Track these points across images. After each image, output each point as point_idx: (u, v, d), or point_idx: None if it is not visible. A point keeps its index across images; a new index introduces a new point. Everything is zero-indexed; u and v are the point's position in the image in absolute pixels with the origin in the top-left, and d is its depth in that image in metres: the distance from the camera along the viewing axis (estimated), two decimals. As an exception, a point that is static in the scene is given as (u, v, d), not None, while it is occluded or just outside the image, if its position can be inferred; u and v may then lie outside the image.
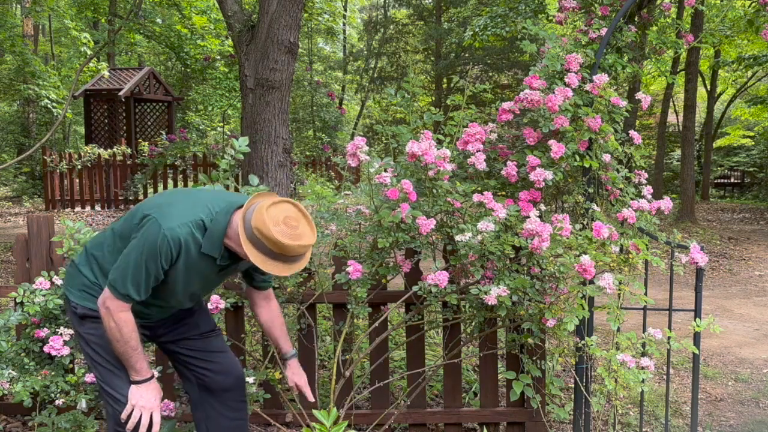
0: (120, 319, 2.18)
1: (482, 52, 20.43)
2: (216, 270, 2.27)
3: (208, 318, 2.63)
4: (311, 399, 2.63)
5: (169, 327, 2.52)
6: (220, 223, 2.18)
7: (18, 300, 2.98)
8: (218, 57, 15.13)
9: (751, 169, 23.45)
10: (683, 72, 14.65)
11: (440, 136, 3.05)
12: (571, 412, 3.21)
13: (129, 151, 13.22)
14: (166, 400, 2.80)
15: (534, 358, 3.08)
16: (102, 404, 2.42)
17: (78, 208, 13.02)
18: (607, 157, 2.92)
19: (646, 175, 3.08)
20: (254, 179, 2.99)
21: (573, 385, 3.46)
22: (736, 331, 5.87)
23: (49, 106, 15.87)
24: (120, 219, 2.33)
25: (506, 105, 2.97)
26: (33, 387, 2.86)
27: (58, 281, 3.04)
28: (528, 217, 2.56)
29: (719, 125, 22.27)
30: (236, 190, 2.96)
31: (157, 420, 2.28)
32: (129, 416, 2.27)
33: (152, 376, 2.30)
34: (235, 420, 2.59)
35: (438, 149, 2.71)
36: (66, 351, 2.94)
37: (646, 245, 2.74)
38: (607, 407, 3.85)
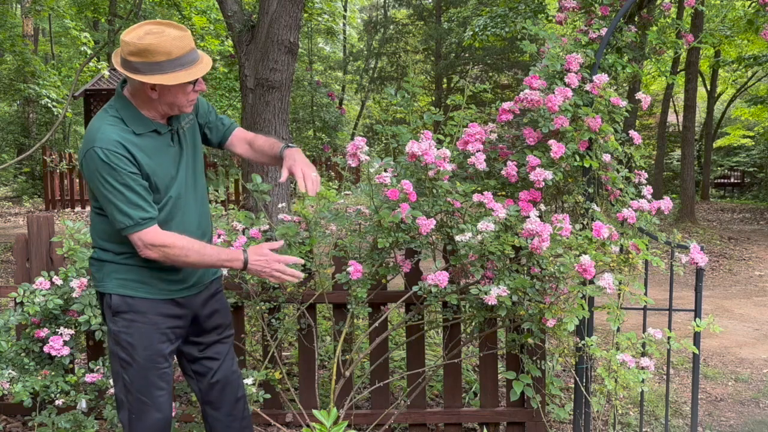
0: (167, 241, 2.14)
1: (482, 52, 20.44)
2: (168, 142, 2.23)
3: (230, 314, 2.61)
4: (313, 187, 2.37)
5: (206, 309, 2.44)
6: (121, 102, 2.17)
7: (18, 300, 2.99)
8: (218, 57, 15.12)
9: (751, 169, 23.47)
10: (683, 72, 14.65)
11: (440, 136, 3.05)
12: (571, 412, 3.21)
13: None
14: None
15: (534, 358, 3.08)
16: (118, 412, 2.36)
17: (78, 208, 13.02)
18: (607, 157, 2.92)
19: (646, 175, 3.08)
20: (257, 177, 3.00)
21: (573, 385, 3.46)
22: (736, 331, 5.87)
23: (49, 105, 15.87)
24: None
25: (506, 105, 2.96)
26: (33, 387, 2.86)
27: (58, 281, 3.04)
28: (528, 217, 2.56)
29: (719, 125, 22.28)
30: (242, 189, 2.95)
31: (292, 260, 2.28)
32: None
33: (244, 250, 2.25)
34: (242, 429, 2.58)
35: (438, 149, 2.71)
36: (66, 351, 2.94)
37: (646, 245, 2.74)
38: (607, 407, 3.85)
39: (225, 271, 2.94)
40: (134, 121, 2.16)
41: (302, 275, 2.29)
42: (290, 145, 2.46)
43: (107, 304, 2.26)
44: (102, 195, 2.11)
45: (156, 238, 2.13)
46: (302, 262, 2.33)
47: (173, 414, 2.76)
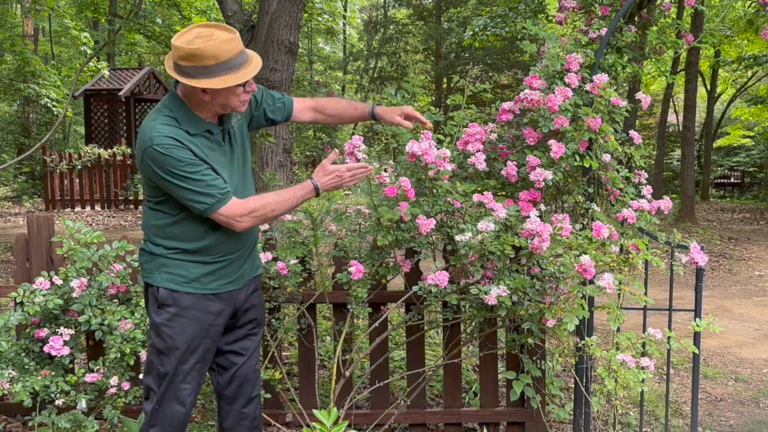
0: (250, 206, 2.22)
1: (482, 52, 20.44)
2: (220, 141, 2.28)
3: (263, 311, 2.66)
4: (427, 123, 2.67)
5: (246, 304, 2.49)
6: (174, 102, 2.22)
7: (18, 300, 2.99)
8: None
9: (751, 169, 23.45)
10: (683, 72, 14.65)
11: (440, 136, 3.05)
12: (571, 412, 3.21)
13: (129, 151, 13.21)
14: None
15: (534, 358, 3.08)
16: (143, 401, 2.42)
17: (78, 208, 13.02)
18: (607, 157, 2.92)
19: (646, 175, 3.08)
20: (270, 175, 3.03)
21: (573, 385, 3.46)
22: (736, 331, 5.87)
23: (49, 104, 15.87)
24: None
25: (506, 105, 2.96)
26: (33, 387, 2.86)
27: (58, 281, 3.04)
28: (528, 217, 2.56)
29: (719, 125, 22.27)
30: None
31: (356, 165, 2.37)
32: None
33: (310, 179, 2.33)
34: (251, 429, 2.61)
35: (438, 149, 2.71)
36: (66, 351, 2.94)
37: (646, 245, 2.74)
38: (607, 407, 3.85)
39: None
40: (188, 121, 2.20)
41: (371, 167, 2.40)
42: (378, 103, 2.64)
43: (153, 296, 2.32)
44: (173, 187, 2.16)
45: (240, 207, 2.22)
46: (370, 168, 2.40)
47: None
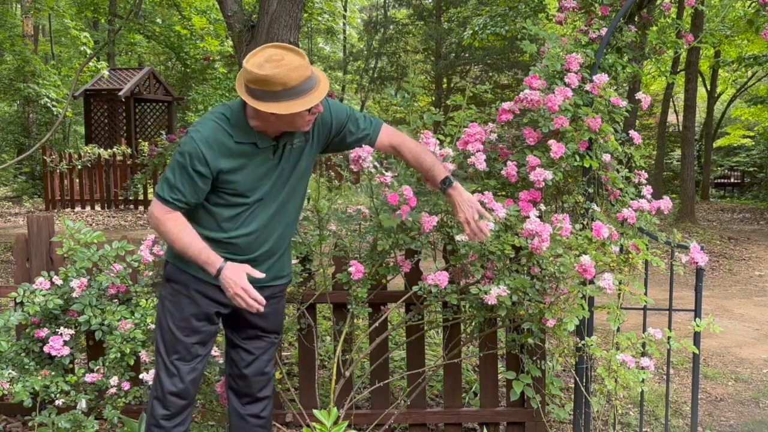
0: (168, 221, 2.26)
1: (482, 52, 20.46)
2: (267, 156, 2.31)
3: (281, 318, 2.66)
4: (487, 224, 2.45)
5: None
6: (238, 106, 2.28)
7: (18, 300, 2.99)
8: (218, 57, 15.10)
9: (751, 169, 23.45)
10: (683, 72, 14.65)
11: (440, 136, 3.05)
12: (571, 412, 3.21)
13: (129, 151, 13.21)
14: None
15: (534, 358, 3.08)
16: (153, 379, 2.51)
17: (78, 208, 13.01)
18: (607, 157, 2.92)
19: (646, 175, 3.08)
20: None
21: (573, 385, 3.46)
22: (736, 331, 5.87)
23: (49, 104, 15.87)
24: None
25: (506, 105, 2.96)
26: (33, 387, 2.86)
27: (58, 281, 3.04)
28: (528, 217, 2.56)
29: (719, 125, 22.27)
30: None
31: (255, 294, 2.27)
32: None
33: (224, 261, 2.30)
34: (256, 427, 2.63)
35: (440, 149, 2.71)
36: (66, 351, 2.94)
37: (646, 245, 2.74)
38: (607, 407, 3.85)
39: None
40: (237, 128, 2.26)
41: (261, 308, 2.28)
42: (452, 179, 2.46)
43: (164, 270, 2.45)
44: (169, 163, 2.28)
45: (161, 214, 2.27)
46: (262, 302, 2.29)
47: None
